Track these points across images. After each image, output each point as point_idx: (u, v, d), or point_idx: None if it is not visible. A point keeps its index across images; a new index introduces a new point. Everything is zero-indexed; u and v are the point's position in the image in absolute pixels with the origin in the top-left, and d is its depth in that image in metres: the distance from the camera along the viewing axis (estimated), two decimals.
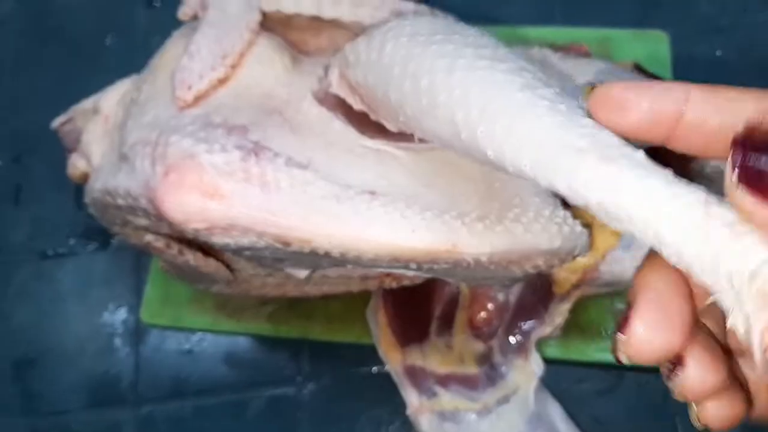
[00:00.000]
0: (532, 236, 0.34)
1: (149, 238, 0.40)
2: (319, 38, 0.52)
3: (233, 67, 0.41)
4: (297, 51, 0.50)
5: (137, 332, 0.61)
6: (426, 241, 0.33)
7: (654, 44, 0.62)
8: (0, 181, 0.68)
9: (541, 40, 0.60)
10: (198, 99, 0.39)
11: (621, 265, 0.48)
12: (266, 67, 0.41)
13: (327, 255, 0.35)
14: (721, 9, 0.67)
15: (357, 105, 0.38)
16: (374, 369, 0.57)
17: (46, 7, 0.74)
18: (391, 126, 0.36)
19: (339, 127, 0.38)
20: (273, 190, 0.34)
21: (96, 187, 0.42)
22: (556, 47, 0.61)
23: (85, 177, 0.56)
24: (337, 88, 0.38)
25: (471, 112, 0.27)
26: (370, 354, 0.57)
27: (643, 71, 0.58)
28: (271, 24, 0.50)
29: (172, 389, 0.59)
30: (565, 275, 0.50)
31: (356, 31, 0.51)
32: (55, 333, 0.62)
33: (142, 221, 0.41)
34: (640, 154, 0.22)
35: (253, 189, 0.33)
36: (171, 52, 0.46)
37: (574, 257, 0.37)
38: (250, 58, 0.42)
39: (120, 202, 0.40)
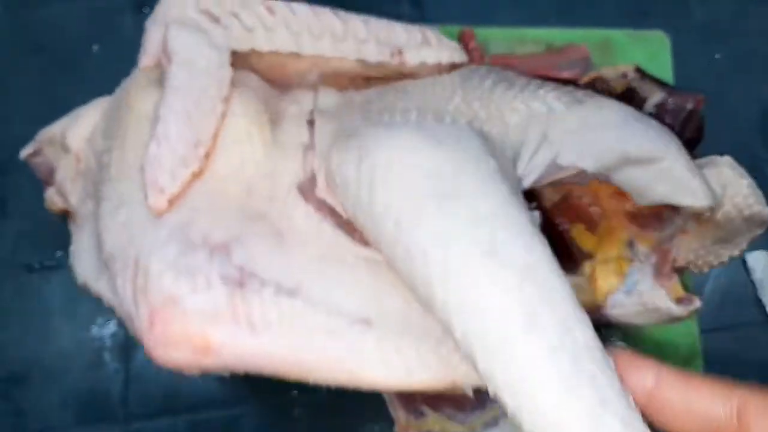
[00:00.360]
0: None
1: None
2: (299, 62, 0.47)
3: (207, 155, 0.37)
4: (273, 79, 0.46)
5: (126, 347, 0.61)
6: (424, 380, 0.33)
7: (654, 46, 0.59)
8: None
9: (539, 41, 0.55)
10: (172, 202, 0.35)
11: (623, 309, 0.47)
12: (244, 150, 0.37)
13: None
14: (721, 11, 0.63)
15: (345, 214, 0.35)
16: None
17: (30, 16, 0.67)
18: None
19: (329, 231, 0.36)
20: (261, 330, 0.32)
21: (79, 279, 0.40)
22: (553, 49, 0.57)
23: (65, 213, 0.53)
24: (325, 195, 0.35)
25: (467, 331, 0.26)
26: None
27: (644, 74, 0.55)
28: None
29: (162, 405, 0.59)
30: None
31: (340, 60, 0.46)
32: (42, 349, 0.60)
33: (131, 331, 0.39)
34: None
35: (241, 332, 0.32)
36: (136, 109, 0.41)
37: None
38: (224, 136, 0.38)
39: (107, 305, 0.38)
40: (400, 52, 0.45)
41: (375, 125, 0.35)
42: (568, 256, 0.49)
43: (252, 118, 0.39)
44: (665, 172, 0.42)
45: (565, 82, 0.54)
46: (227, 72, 0.40)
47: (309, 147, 0.39)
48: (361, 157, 0.32)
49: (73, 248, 0.42)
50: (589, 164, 0.42)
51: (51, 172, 0.51)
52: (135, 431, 0.59)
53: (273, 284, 0.33)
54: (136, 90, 0.42)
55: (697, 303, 0.46)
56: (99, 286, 0.37)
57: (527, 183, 0.41)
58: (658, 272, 0.47)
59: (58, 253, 0.62)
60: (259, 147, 0.38)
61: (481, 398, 0.55)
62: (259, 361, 0.32)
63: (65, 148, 0.48)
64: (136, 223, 0.35)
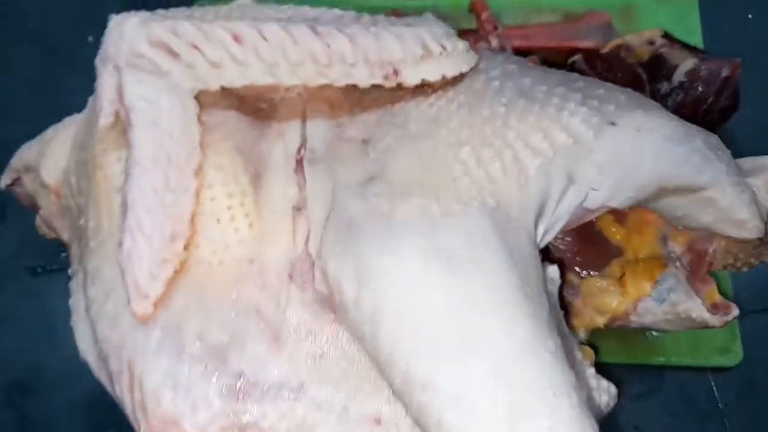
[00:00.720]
0: None
1: None
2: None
3: (187, 245, 0.34)
4: (253, 101, 0.41)
5: None
6: None
7: (681, 8, 0.52)
8: None
9: (556, 8, 0.49)
10: (158, 302, 0.33)
11: (653, 317, 0.44)
12: (227, 230, 0.34)
13: None
14: None
15: None
16: None
17: (17, 7, 0.62)
18: None
19: (329, 326, 0.33)
20: None
21: (81, 353, 0.39)
22: (571, 17, 0.50)
23: (57, 240, 0.50)
24: (323, 287, 0.33)
25: None
26: None
27: (672, 39, 0.48)
28: None
29: None
30: (591, 315, 0.45)
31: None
32: (48, 354, 0.59)
33: None
34: None
35: None
36: (105, 171, 0.37)
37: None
38: (203, 216, 0.34)
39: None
40: (395, 73, 0.38)
41: (374, 221, 0.31)
42: (594, 250, 0.46)
43: (231, 188, 0.35)
44: (709, 203, 0.38)
45: (587, 56, 0.48)
46: (195, 132, 0.35)
47: (298, 207, 0.36)
48: (362, 281, 0.29)
49: (72, 319, 0.40)
50: (621, 202, 0.38)
51: (33, 202, 0.48)
52: None
53: (275, 389, 0.32)
54: (102, 148, 0.38)
55: (735, 312, 0.43)
56: (101, 377, 0.36)
57: (551, 236, 0.38)
58: (693, 275, 0.44)
59: (62, 255, 0.60)
60: (243, 223, 0.35)
61: None
62: None
63: (43, 186, 0.44)
64: (125, 321, 0.34)
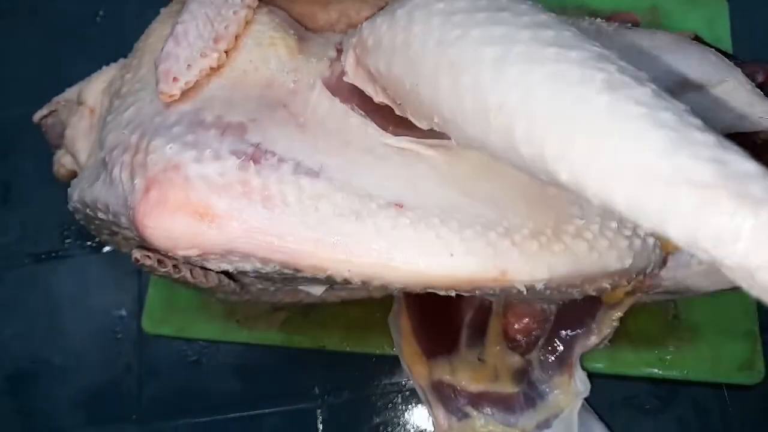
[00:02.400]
0: (599, 255, 0.28)
1: (137, 255, 0.34)
2: (328, 11, 0.45)
3: (227, 51, 0.34)
4: (303, 27, 0.44)
5: (140, 341, 0.56)
6: (468, 267, 0.27)
7: (711, 12, 0.53)
8: None
9: (582, 8, 0.53)
10: (186, 93, 0.32)
11: (687, 270, 0.40)
12: (267, 50, 0.34)
13: (346, 282, 0.28)
14: None
15: (378, 97, 0.31)
16: (401, 382, 0.51)
17: None
18: (421, 124, 0.30)
19: (356, 122, 0.31)
20: (278, 206, 0.27)
21: (74, 196, 0.36)
22: (599, 17, 0.54)
23: (73, 175, 0.50)
24: (354, 77, 0.32)
25: (536, 122, 0.21)
26: (394, 365, 0.51)
27: (703, 43, 0.51)
28: None
29: (179, 404, 0.54)
30: None
31: (374, 2, 0.44)
32: (51, 343, 0.57)
33: (129, 233, 0.35)
34: None
35: (253, 206, 0.27)
36: (157, 34, 0.39)
37: (646, 275, 0.31)
38: (247, 39, 0.35)
39: (101, 216, 0.34)
40: None
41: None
42: None
43: (277, 26, 0.36)
44: (730, 95, 0.38)
45: None
46: None
47: (336, 59, 0.36)
48: (395, 8, 0.28)
49: (73, 182, 0.39)
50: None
51: (61, 133, 0.49)
52: None
53: (292, 162, 0.29)
54: (157, 21, 0.40)
55: None
56: (94, 190, 0.33)
57: None
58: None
59: (67, 241, 0.59)
60: (284, 50, 0.35)
61: (530, 396, 0.48)
62: (272, 242, 0.27)
63: (80, 102, 0.46)
64: (144, 114, 0.32)
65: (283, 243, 0.27)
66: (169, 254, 0.29)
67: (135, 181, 0.28)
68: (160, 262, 0.34)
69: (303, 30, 0.41)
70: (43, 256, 0.59)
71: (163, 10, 0.43)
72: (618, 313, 0.45)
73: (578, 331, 0.46)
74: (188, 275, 0.36)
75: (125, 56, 0.47)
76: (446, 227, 0.27)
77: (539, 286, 0.28)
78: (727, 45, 0.53)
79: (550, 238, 0.28)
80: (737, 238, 0.17)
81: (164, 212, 0.27)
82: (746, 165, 0.17)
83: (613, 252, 0.28)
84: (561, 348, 0.46)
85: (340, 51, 0.38)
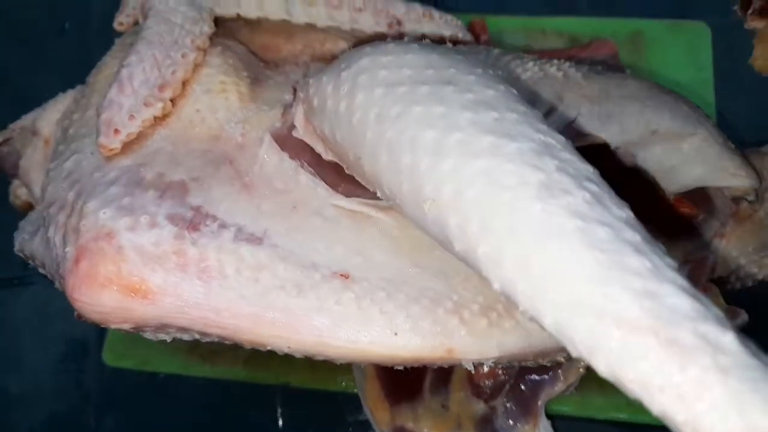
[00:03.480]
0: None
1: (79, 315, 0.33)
2: (293, 42, 0.44)
3: (173, 99, 0.32)
4: (265, 59, 0.42)
5: (101, 372, 0.54)
6: (413, 346, 0.26)
7: (693, 38, 0.52)
8: None
9: (562, 32, 0.51)
10: (129, 145, 0.31)
11: None
12: (216, 98, 0.33)
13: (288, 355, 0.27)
14: None
15: (327, 156, 0.30)
16: (366, 421, 0.50)
17: None
18: (368, 187, 0.28)
19: (306, 181, 0.30)
20: (215, 279, 0.26)
21: (16, 244, 0.35)
22: (575, 45, 0.53)
23: (29, 206, 0.49)
24: (303, 134, 0.30)
25: (468, 223, 0.20)
26: (359, 404, 0.50)
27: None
28: (235, 26, 0.42)
29: None
30: None
31: (336, 34, 0.43)
32: (9, 372, 0.55)
33: (59, 287, 0.33)
34: (730, 338, 0.15)
35: (189, 280, 0.26)
36: (108, 70, 0.38)
37: None
38: (195, 86, 0.33)
39: (41, 272, 0.32)
40: (398, 23, 0.41)
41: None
42: None
43: (228, 71, 0.35)
44: (700, 150, 0.37)
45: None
46: (206, 27, 0.36)
47: (290, 105, 0.35)
48: (341, 69, 0.27)
49: (20, 224, 0.37)
50: (612, 134, 0.37)
51: (17, 163, 0.47)
52: None
53: (234, 229, 0.27)
54: (110, 54, 0.39)
55: (744, 317, 0.39)
56: (33, 245, 0.31)
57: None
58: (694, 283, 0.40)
59: (29, 266, 0.58)
60: (234, 96, 0.33)
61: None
62: (208, 316, 0.26)
63: (35, 132, 0.44)
64: (84, 168, 0.30)
65: (220, 318, 0.26)
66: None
67: (66, 249, 0.27)
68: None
69: (261, 68, 0.40)
70: (4, 282, 0.58)
71: (117, 41, 0.41)
72: (583, 362, 0.44)
73: (544, 377, 0.45)
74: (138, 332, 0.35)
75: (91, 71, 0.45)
76: (392, 302, 0.26)
77: (488, 363, 0.27)
78: (708, 73, 0.52)
79: (500, 314, 0.26)
80: (662, 390, 0.16)
81: (94, 286, 0.25)
82: (680, 301, 0.16)
83: None
84: (526, 395, 0.45)
85: (295, 91, 0.37)
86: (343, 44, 0.44)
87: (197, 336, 0.27)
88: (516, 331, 0.26)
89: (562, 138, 0.22)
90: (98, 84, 0.37)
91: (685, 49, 0.51)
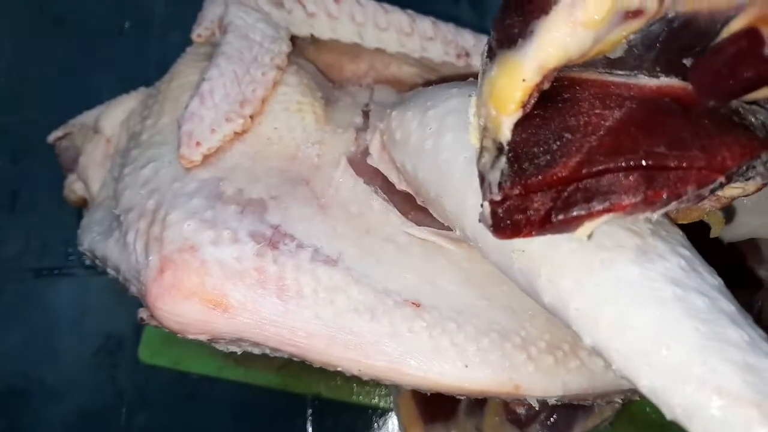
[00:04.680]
0: (614, 375, 0.27)
1: (143, 315, 0.34)
2: (357, 63, 0.45)
3: (253, 116, 0.33)
4: (330, 78, 0.43)
5: (135, 369, 0.55)
6: (482, 379, 0.26)
7: None
8: None
9: None
10: (207, 158, 0.32)
11: None
12: (293, 117, 0.34)
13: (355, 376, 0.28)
14: None
15: (400, 186, 0.31)
16: None
17: None
18: (442, 221, 0.29)
19: (378, 207, 0.31)
20: (293, 298, 0.27)
21: (84, 243, 0.35)
22: None
23: (83, 202, 0.50)
24: (378, 162, 0.31)
25: (562, 277, 0.20)
26: (390, 420, 0.51)
27: None
28: (302, 43, 0.42)
29: None
30: None
31: (402, 59, 0.44)
32: (45, 363, 0.56)
33: (135, 291, 0.34)
34: None
35: (268, 297, 0.27)
36: (181, 78, 0.39)
37: None
38: (274, 104, 0.34)
39: (110, 272, 0.33)
40: (467, 54, 0.42)
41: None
42: None
43: (305, 92, 0.36)
44: (758, 201, 0.37)
45: None
46: (284, 46, 0.37)
47: (362, 129, 0.36)
48: (428, 107, 0.28)
49: (83, 221, 0.38)
50: None
51: (75, 158, 0.48)
52: None
53: (311, 249, 0.28)
54: (183, 63, 0.40)
55: None
56: (106, 247, 0.32)
57: None
58: None
59: (70, 259, 0.59)
60: (310, 117, 0.34)
61: None
62: (282, 334, 0.26)
63: (97, 130, 0.45)
64: (163, 177, 0.31)
65: (295, 337, 0.27)
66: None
67: (150, 257, 0.28)
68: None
69: (330, 88, 0.41)
70: (44, 272, 0.59)
71: (188, 50, 0.42)
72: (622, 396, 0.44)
73: (580, 410, 0.45)
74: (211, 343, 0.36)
75: (148, 74, 0.46)
76: (462, 333, 0.27)
77: (551, 401, 0.27)
78: None
79: (566, 353, 0.27)
80: None
81: (177, 297, 0.26)
82: None
83: None
84: (560, 426, 0.45)
85: (366, 115, 0.38)
86: (407, 68, 0.44)
87: (268, 351, 0.28)
88: (581, 371, 0.27)
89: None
90: (172, 92, 0.38)
91: None
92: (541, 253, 0.22)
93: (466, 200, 0.25)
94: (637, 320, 0.19)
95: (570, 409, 0.46)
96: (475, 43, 0.43)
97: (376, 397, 0.51)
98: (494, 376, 0.26)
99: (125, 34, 0.65)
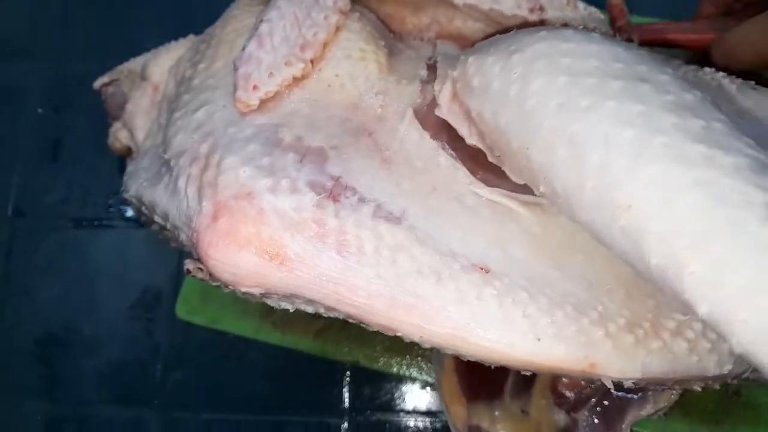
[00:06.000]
0: (698, 359, 0.25)
1: (190, 266, 0.32)
2: (419, 16, 0.42)
3: (314, 61, 0.31)
4: (390, 30, 0.41)
5: (172, 325, 0.54)
6: (555, 355, 0.24)
7: None
8: (37, 132, 0.61)
9: None
10: (265, 103, 0.30)
11: None
12: (356, 65, 0.32)
13: (414, 343, 0.26)
14: None
15: (471, 140, 0.28)
16: (435, 412, 0.49)
17: None
18: (517, 179, 0.27)
19: (445, 163, 0.28)
20: (353, 254, 0.25)
21: (130, 189, 0.34)
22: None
23: (127, 150, 0.49)
24: (447, 113, 0.29)
25: (675, 239, 0.18)
26: (429, 393, 0.49)
27: None
28: None
29: (202, 397, 0.52)
30: None
31: (468, 13, 0.41)
32: (84, 314, 0.55)
33: (185, 243, 0.33)
34: None
35: (327, 252, 0.25)
36: (235, 23, 0.37)
37: (741, 379, 0.27)
38: (335, 50, 0.32)
39: (157, 219, 0.32)
40: (541, 8, 0.39)
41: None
42: None
43: (368, 37, 0.33)
44: None
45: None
46: None
47: (427, 81, 0.33)
48: (512, 51, 0.25)
49: (129, 169, 0.37)
50: None
51: (121, 105, 0.47)
52: (172, 421, 0.52)
53: (373, 204, 0.26)
54: (238, 7, 0.38)
55: None
56: (155, 192, 0.30)
57: None
58: None
59: (110, 210, 0.58)
60: (373, 66, 0.32)
61: None
62: (341, 292, 0.25)
63: (144, 77, 0.44)
64: (217, 121, 0.29)
65: (354, 296, 0.25)
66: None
67: (203, 203, 0.26)
68: (212, 277, 0.32)
69: (392, 39, 0.38)
70: (85, 223, 0.58)
71: None
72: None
73: (633, 397, 0.43)
74: (238, 293, 0.34)
75: (190, 27, 0.45)
76: (535, 304, 0.25)
77: (628, 383, 0.25)
78: None
79: (647, 332, 0.25)
80: None
81: (232, 246, 0.24)
82: None
83: (714, 356, 0.25)
84: (612, 413, 0.43)
85: (431, 68, 0.35)
86: (471, 24, 0.42)
87: (322, 311, 0.26)
88: (662, 353, 0.25)
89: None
90: (227, 36, 0.36)
91: None
92: (652, 209, 0.19)
93: (556, 150, 0.22)
94: None
95: (623, 396, 0.44)
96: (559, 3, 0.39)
97: (417, 370, 0.49)
98: (569, 352, 0.24)
99: None
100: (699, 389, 0.27)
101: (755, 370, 0.29)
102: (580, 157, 0.21)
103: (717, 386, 0.27)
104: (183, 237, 0.28)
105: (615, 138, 0.21)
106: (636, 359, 0.24)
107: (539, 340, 0.24)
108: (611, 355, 0.24)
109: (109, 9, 0.64)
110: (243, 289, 0.26)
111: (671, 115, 0.20)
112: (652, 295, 0.26)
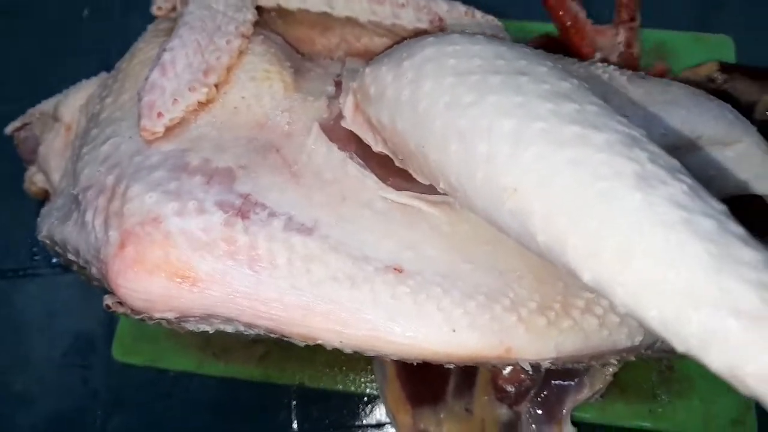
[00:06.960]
0: (609, 333, 0.26)
1: (108, 301, 0.31)
2: (327, 36, 0.43)
3: (218, 85, 0.31)
4: (300, 51, 0.42)
5: (109, 369, 0.53)
6: (471, 343, 0.25)
7: (717, 50, 0.52)
8: None
9: None
10: (171, 130, 0.30)
11: None
12: (261, 85, 0.32)
13: (337, 350, 0.26)
14: None
15: (377, 147, 0.29)
16: (384, 423, 0.49)
17: None
18: (424, 181, 0.27)
19: (354, 172, 0.29)
20: (266, 268, 0.25)
21: (43, 230, 0.33)
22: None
23: (44, 193, 0.48)
24: (352, 123, 0.29)
25: (556, 215, 0.19)
26: (376, 405, 0.49)
27: (729, 68, 0.49)
28: (269, 17, 0.41)
29: None
30: None
31: (373, 29, 0.42)
32: (14, 367, 0.53)
33: (95, 272, 0.32)
34: None
35: (239, 269, 0.25)
36: (141, 55, 0.37)
37: (655, 350, 0.29)
38: (240, 73, 0.32)
39: (70, 257, 0.31)
40: (440, 20, 0.41)
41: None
42: None
43: (273, 59, 0.34)
44: (745, 157, 0.36)
45: None
46: (249, 14, 0.35)
47: (335, 96, 0.34)
48: (403, 58, 0.26)
49: (43, 210, 0.36)
50: (656, 139, 0.36)
51: (34, 148, 0.46)
52: None
53: (284, 217, 0.27)
54: (143, 40, 0.38)
55: None
56: (65, 230, 0.30)
57: None
58: None
59: (35, 259, 0.56)
60: (279, 85, 0.33)
61: None
62: (257, 307, 0.25)
63: (56, 118, 0.43)
64: (123, 152, 0.29)
65: (270, 309, 0.25)
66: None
67: (109, 233, 0.26)
68: (133, 310, 0.32)
69: (299, 59, 0.39)
70: (9, 273, 0.56)
71: (149, 27, 0.40)
72: (612, 369, 0.43)
73: (570, 383, 0.44)
74: (163, 323, 0.34)
75: (110, 57, 0.44)
76: (448, 298, 0.25)
77: (545, 364, 0.26)
78: None
79: (558, 313, 0.26)
80: None
81: (141, 272, 0.24)
82: None
83: (624, 329, 0.26)
84: (551, 401, 0.44)
85: (338, 85, 0.36)
86: (378, 40, 0.43)
87: (242, 328, 0.26)
88: (574, 331, 0.26)
89: (643, 131, 0.22)
90: (132, 69, 0.36)
91: (708, 58, 0.51)
92: (533, 189, 0.20)
93: (448, 146, 0.23)
94: (642, 248, 0.18)
95: (560, 384, 0.45)
96: (448, 9, 0.41)
97: (362, 385, 0.49)
98: (484, 340, 0.25)
99: (85, 20, 0.63)
100: (615, 362, 0.28)
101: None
102: (469, 150, 0.22)
103: (632, 358, 0.28)
104: (94, 270, 0.28)
105: (497, 128, 0.22)
106: (549, 340, 0.25)
107: (454, 330, 0.25)
108: (525, 338, 0.25)
109: (24, 50, 0.62)
110: (157, 315, 0.25)
111: (548, 102, 0.22)
112: (561, 277, 0.27)
